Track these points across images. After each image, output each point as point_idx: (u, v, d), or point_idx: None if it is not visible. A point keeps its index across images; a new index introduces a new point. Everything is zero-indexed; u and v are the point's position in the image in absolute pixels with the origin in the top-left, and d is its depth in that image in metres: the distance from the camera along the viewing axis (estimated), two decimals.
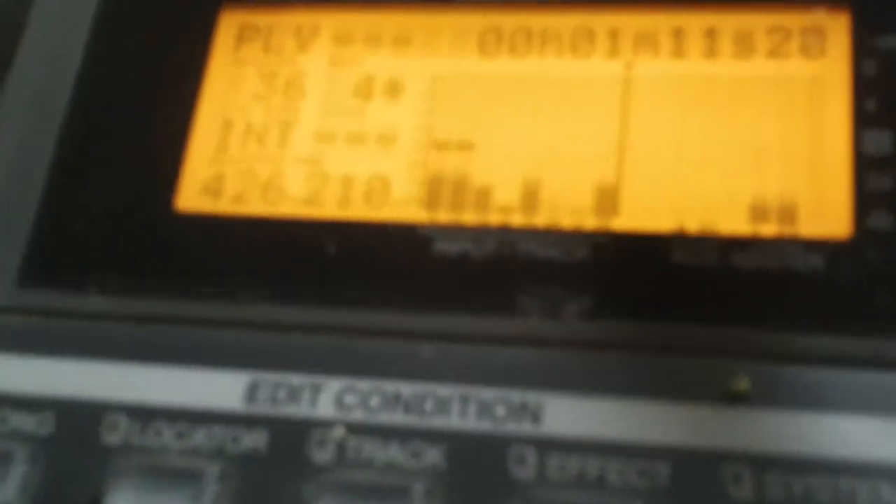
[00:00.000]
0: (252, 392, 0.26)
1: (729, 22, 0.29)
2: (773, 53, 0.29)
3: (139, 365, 0.27)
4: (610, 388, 0.25)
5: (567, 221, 0.28)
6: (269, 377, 0.26)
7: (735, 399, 0.25)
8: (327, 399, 0.26)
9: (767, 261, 0.26)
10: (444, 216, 0.28)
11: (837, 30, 0.28)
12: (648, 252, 0.27)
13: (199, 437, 0.26)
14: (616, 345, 0.26)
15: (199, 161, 0.30)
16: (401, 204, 0.29)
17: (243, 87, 0.31)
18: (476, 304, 0.27)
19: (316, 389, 0.26)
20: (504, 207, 0.28)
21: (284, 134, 0.30)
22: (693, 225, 0.27)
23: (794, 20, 0.29)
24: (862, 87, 0.27)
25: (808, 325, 0.25)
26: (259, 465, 0.25)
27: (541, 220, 0.28)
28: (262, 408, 0.26)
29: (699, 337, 0.26)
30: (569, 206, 0.28)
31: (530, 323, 0.26)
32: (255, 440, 0.26)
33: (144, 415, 0.26)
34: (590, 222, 0.28)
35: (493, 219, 0.28)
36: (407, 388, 0.26)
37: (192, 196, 0.30)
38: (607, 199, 0.28)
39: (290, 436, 0.25)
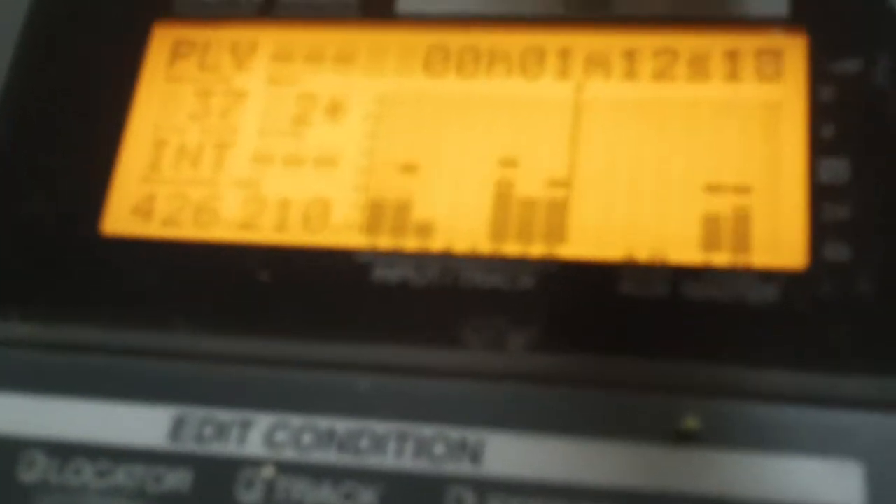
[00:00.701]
0: (177, 428, 0.25)
1: (683, 43, 0.28)
2: (729, 76, 0.28)
3: (60, 398, 0.26)
4: (555, 425, 0.24)
5: (512, 249, 0.27)
6: (196, 412, 0.25)
7: (684, 438, 0.24)
8: (256, 436, 0.25)
9: (719, 292, 0.25)
10: (384, 242, 0.27)
11: (794, 53, 0.27)
12: (596, 282, 0.26)
13: (121, 475, 0.24)
14: (562, 379, 0.25)
15: (129, 181, 0.29)
16: (340, 229, 0.28)
17: (177, 105, 0.30)
18: (416, 334, 0.26)
19: (245, 425, 0.25)
20: (447, 234, 0.27)
21: (220, 155, 0.29)
22: (643, 253, 0.26)
23: (750, 42, 0.28)
24: (819, 113, 0.26)
25: (761, 359, 0.24)
26: None
27: (485, 247, 0.27)
28: (188, 445, 0.25)
29: (648, 371, 0.25)
30: (515, 233, 0.27)
31: (473, 355, 0.25)
32: (178, 479, 0.24)
33: (64, 451, 0.25)
34: (536, 250, 0.26)
35: (436, 245, 0.27)
36: (341, 425, 0.24)
37: (120, 218, 0.28)
38: (555, 225, 0.27)
39: (216, 475, 0.24)
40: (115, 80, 0.30)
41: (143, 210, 0.28)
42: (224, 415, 0.25)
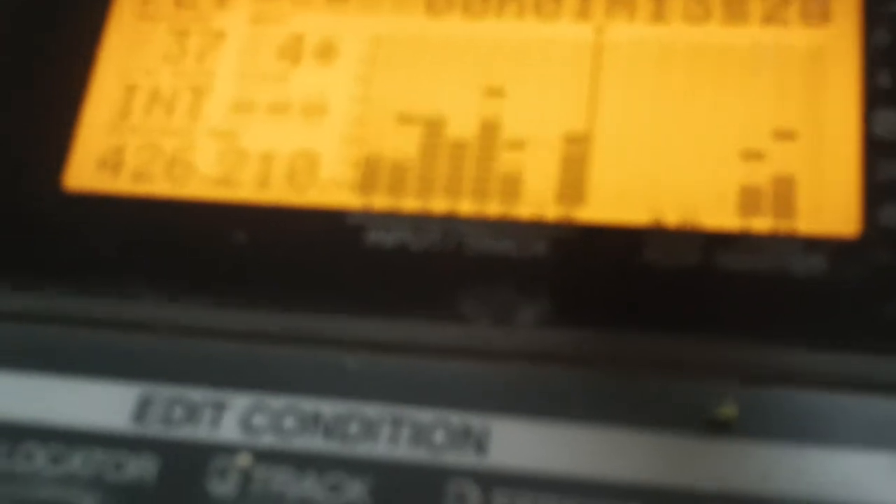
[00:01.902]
0: (142, 409, 0.22)
1: None
2: (770, 19, 0.25)
3: (9, 373, 0.23)
4: (569, 411, 0.21)
5: (524, 210, 0.24)
6: (164, 391, 0.22)
7: (719, 427, 0.21)
8: (232, 419, 0.22)
9: (760, 262, 0.22)
10: (379, 202, 0.24)
11: None
12: (618, 248, 0.23)
13: (77, 462, 0.22)
14: (577, 359, 0.22)
15: (95, 131, 0.26)
16: (329, 186, 0.25)
17: (150, 47, 0.27)
18: (413, 306, 0.23)
19: (219, 407, 0.22)
20: (450, 192, 0.24)
21: (196, 102, 0.26)
22: (672, 217, 0.23)
23: None
24: (874, 59, 0.23)
25: (806, 339, 0.22)
26: (146, 498, 0.21)
27: (493, 208, 0.24)
28: (154, 428, 0.22)
29: (676, 351, 0.22)
30: (527, 192, 0.24)
31: (477, 330, 0.22)
32: (142, 467, 0.21)
33: (13, 434, 0.22)
34: (551, 212, 0.24)
35: (438, 206, 0.24)
36: (328, 408, 0.22)
37: (84, 172, 0.25)
38: (572, 184, 0.24)
39: (185, 463, 0.21)
40: (80, 18, 0.27)
41: (111, 163, 0.26)
42: (195, 395, 0.22)
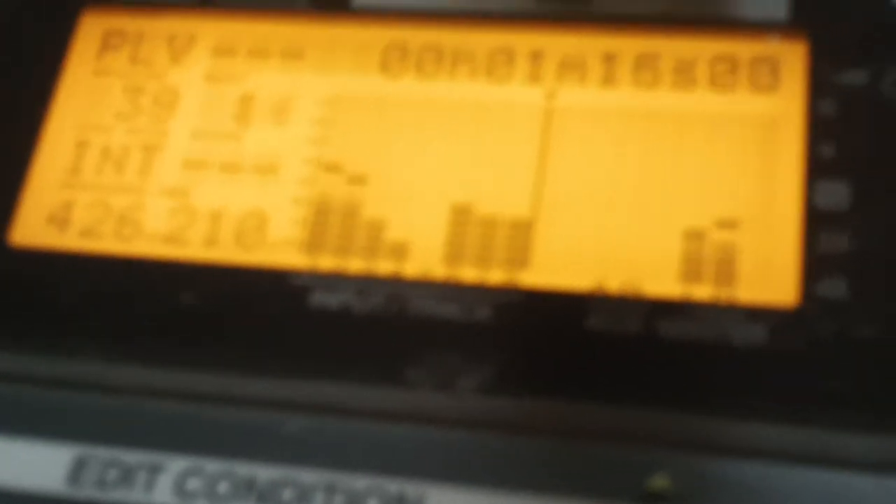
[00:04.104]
0: (77, 470, 0.22)
1: (668, 48, 0.25)
2: (718, 86, 0.25)
3: None
4: (507, 479, 0.21)
5: (469, 274, 0.24)
6: (100, 453, 0.22)
7: (654, 499, 0.20)
8: (166, 483, 0.22)
9: (700, 330, 0.22)
10: (325, 263, 0.24)
11: (793, 61, 0.24)
12: (561, 315, 0.23)
13: None
14: (517, 426, 0.22)
15: (45, 186, 0.26)
16: (277, 246, 0.25)
17: (104, 103, 0.27)
18: (355, 370, 0.23)
19: (154, 470, 0.22)
20: (397, 254, 0.24)
21: (148, 159, 0.26)
22: (614, 284, 0.23)
23: (743, 48, 0.25)
24: (818, 130, 0.23)
25: (744, 409, 0.21)
26: None
27: (439, 271, 0.24)
28: (87, 491, 0.22)
29: (615, 420, 0.22)
30: (473, 257, 0.24)
31: (418, 396, 0.22)
32: None
33: None
34: (496, 276, 0.23)
35: (384, 268, 0.24)
36: (263, 473, 0.21)
37: (32, 227, 0.25)
38: (518, 249, 0.24)
39: None
40: (36, 72, 0.27)
41: (60, 219, 0.25)
42: (131, 457, 0.22)
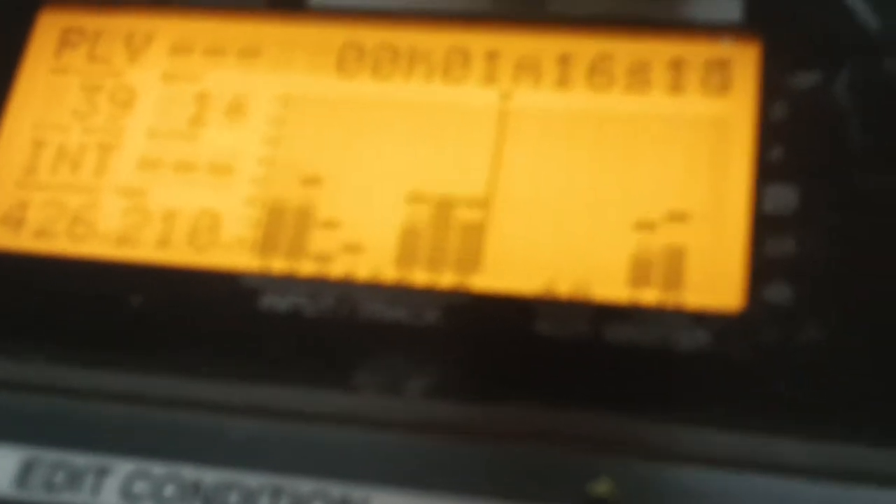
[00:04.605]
0: (25, 472, 0.22)
1: (623, 49, 0.25)
2: (671, 88, 0.25)
3: None
4: (451, 483, 0.21)
5: (421, 277, 0.24)
6: (48, 455, 0.22)
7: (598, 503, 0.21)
8: (113, 486, 0.22)
9: (646, 334, 0.22)
10: (278, 265, 0.24)
11: (745, 63, 0.24)
12: (510, 319, 0.23)
13: None
14: (461, 430, 0.22)
15: (0, 186, 0.26)
16: (229, 248, 0.25)
17: (61, 101, 0.27)
18: (302, 373, 0.23)
19: (101, 473, 0.22)
20: (349, 258, 0.24)
21: (103, 159, 0.26)
22: (565, 287, 0.23)
23: (696, 50, 0.25)
24: (767, 133, 0.23)
25: (689, 414, 0.21)
26: None
27: (390, 274, 0.24)
28: (35, 493, 0.22)
29: (560, 424, 0.22)
30: (424, 260, 0.24)
31: (365, 399, 0.22)
32: None
33: None
34: (447, 279, 0.24)
35: (335, 271, 0.24)
36: (209, 476, 0.22)
37: None
38: (469, 251, 0.24)
39: None
40: None
41: (14, 219, 0.26)
42: (79, 459, 0.22)
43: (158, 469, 0.22)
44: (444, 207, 0.24)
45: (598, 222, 0.24)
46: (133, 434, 0.22)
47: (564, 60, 0.25)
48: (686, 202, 0.23)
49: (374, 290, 0.23)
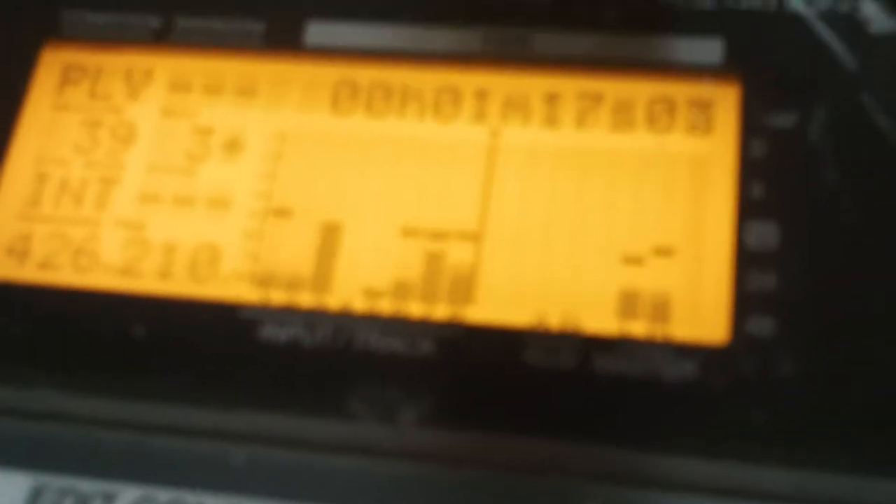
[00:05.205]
0: (34, 498, 0.23)
1: (608, 88, 0.26)
2: (655, 126, 0.26)
3: None
4: None
5: (415, 309, 0.24)
6: (56, 481, 0.23)
7: None
8: None
9: (633, 366, 0.23)
10: (276, 296, 0.25)
11: (726, 103, 0.25)
12: (501, 350, 0.24)
13: None
14: (453, 458, 0.23)
15: (5, 218, 0.27)
16: (229, 280, 0.25)
17: (63, 136, 0.27)
18: (301, 402, 0.23)
19: (108, 499, 0.22)
20: (345, 290, 0.25)
21: (104, 192, 0.27)
22: (555, 319, 0.24)
23: (679, 90, 0.26)
24: (748, 171, 0.24)
25: (673, 444, 0.22)
26: None
27: (385, 305, 0.25)
28: None
29: (548, 453, 0.22)
30: (418, 291, 0.25)
31: (359, 428, 0.23)
32: None
33: None
34: (440, 311, 0.24)
35: (332, 302, 0.25)
36: (212, 502, 0.22)
37: None
38: (462, 284, 0.25)
39: None
40: None
41: (18, 250, 0.26)
42: (86, 486, 0.23)
43: (163, 495, 0.22)
44: (437, 242, 0.25)
45: (587, 256, 0.25)
46: (138, 461, 0.23)
47: (551, 99, 0.26)
48: (671, 237, 0.24)
49: (371, 321, 0.24)
